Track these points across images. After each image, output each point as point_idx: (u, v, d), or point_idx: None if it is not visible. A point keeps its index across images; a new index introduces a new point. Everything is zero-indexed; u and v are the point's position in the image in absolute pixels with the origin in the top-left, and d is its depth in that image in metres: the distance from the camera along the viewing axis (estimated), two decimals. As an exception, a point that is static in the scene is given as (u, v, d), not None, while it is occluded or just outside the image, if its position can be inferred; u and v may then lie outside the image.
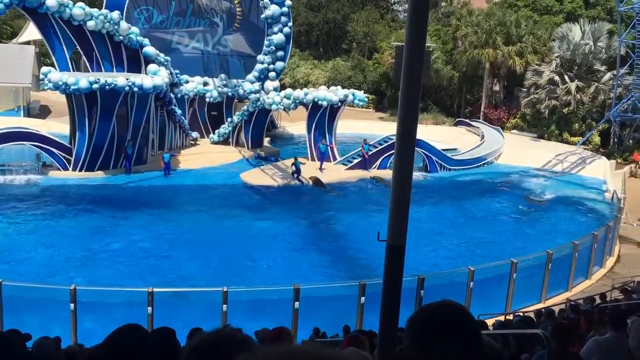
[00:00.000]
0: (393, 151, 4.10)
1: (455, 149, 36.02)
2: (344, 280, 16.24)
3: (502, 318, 13.32)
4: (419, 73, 3.76)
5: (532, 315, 11.96)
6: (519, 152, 35.86)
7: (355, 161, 30.16)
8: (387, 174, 27.97)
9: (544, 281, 16.05)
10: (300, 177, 27.53)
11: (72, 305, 12.02)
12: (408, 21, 3.70)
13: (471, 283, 14.27)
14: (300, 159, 27.94)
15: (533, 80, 41.45)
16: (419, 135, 4.21)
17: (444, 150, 32.84)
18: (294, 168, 27.38)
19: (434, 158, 31.21)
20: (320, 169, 28.99)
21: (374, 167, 29.81)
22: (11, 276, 13.47)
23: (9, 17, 51.55)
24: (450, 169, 31.79)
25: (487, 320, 11.42)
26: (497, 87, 49.32)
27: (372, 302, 12.49)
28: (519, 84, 44.04)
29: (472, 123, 44.04)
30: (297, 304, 12.64)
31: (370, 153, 29.78)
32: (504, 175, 32.53)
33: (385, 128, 37.34)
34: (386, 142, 30.36)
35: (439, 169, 31.36)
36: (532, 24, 44.93)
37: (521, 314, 13.57)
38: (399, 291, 3.82)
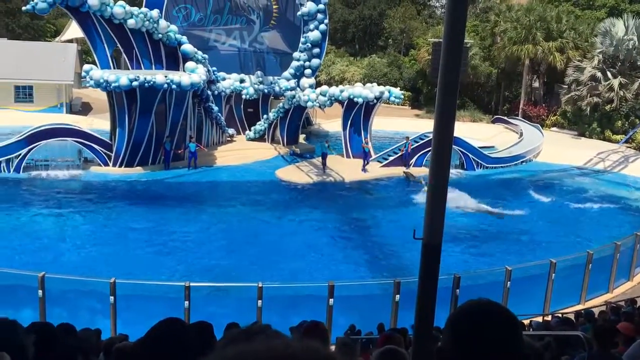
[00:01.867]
0: (429, 148, 4.06)
1: (493, 147, 35.50)
2: (378, 278, 16.20)
3: (539, 319, 13.08)
4: (456, 70, 3.72)
5: (571, 316, 11.73)
6: (559, 150, 35.11)
7: (391, 158, 30.01)
8: (423, 171, 27.77)
9: (584, 282, 15.69)
10: (325, 165, 28.52)
11: (111, 298, 12.30)
12: (446, 17, 3.66)
13: (508, 283, 14.06)
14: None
15: (574, 77, 40.47)
16: (455, 133, 4.16)
17: (481, 147, 32.40)
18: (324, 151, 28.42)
19: (470, 156, 30.82)
20: (364, 169, 28.91)
21: (410, 165, 29.61)
22: (54, 268, 13.83)
23: (52, 16, 52.98)
24: (487, 167, 31.35)
25: (523, 321, 11.24)
26: (536, 84, 48.38)
27: (407, 300, 12.43)
28: (560, 80, 43.10)
29: (511, 120, 43.31)
30: (331, 300, 12.67)
31: (408, 151, 29.63)
32: (543, 173, 31.90)
33: (421, 125, 37.05)
34: (422, 139, 30.11)
35: (476, 166, 30.96)
36: (573, 19, 43.88)
37: (560, 315, 13.31)
38: (435, 290, 3.79)
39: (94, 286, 13.03)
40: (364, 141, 29.61)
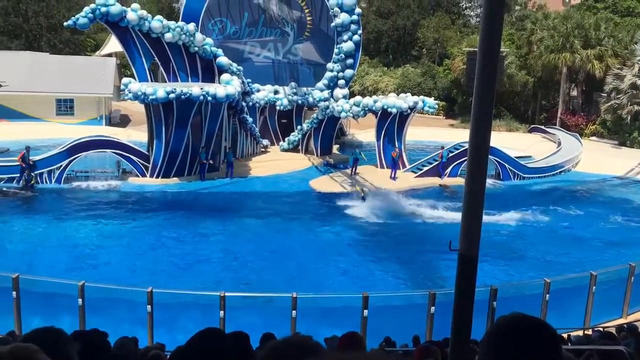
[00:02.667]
0: (465, 159, 4.03)
1: (530, 157, 34.93)
2: (413, 289, 16.05)
3: (579, 333, 12.75)
4: (492, 79, 3.68)
5: (612, 330, 11.38)
6: (599, 159, 34.33)
7: (425, 168, 29.80)
8: (458, 181, 27.48)
9: (626, 295, 15.24)
10: (355, 170, 28.90)
11: (149, 307, 12.46)
12: (482, 26, 3.63)
13: (547, 295, 13.75)
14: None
15: (614, 85, 39.60)
16: (491, 143, 4.11)
17: (517, 157, 31.90)
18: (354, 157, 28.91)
19: (507, 166, 30.37)
20: (393, 177, 28.82)
21: (445, 175, 29.35)
22: (92, 277, 14.10)
23: (92, 31, 54.43)
24: (524, 177, 30.84)
25: (562, 335, 10.96)
26: (574, 92, 47.50)
27: (442, 312, 12.26)
28: (599, 88, 42.20)
29: (548, 130, 42.57)
30: (365, 311, 12.58)
31: (444, 160, 29.41)
32: (582, 184, 31.22)
33: (456, 135, 36.74)
34: (457, 149, 29.83)
35: (512, 177, 30.49)
36: (612, 27, 43.01)
37: (601, 329, 12.95)
38: (472, 302, 3.73)
39: (132, 295, 13.22)
40: (394, 150, 29.50)
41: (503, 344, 1.74)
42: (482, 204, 3.77)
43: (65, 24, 27.14)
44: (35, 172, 24.90)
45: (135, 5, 27.51)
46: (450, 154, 29.73)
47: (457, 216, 22.71)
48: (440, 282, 16.33)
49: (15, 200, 23.54)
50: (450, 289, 3.78)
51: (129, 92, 25.24)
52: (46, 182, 25.24)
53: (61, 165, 25.40)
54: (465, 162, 3.93)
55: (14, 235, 19.69)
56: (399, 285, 16.78)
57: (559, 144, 37.29)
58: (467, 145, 3.78)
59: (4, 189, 24.24)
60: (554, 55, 42.43)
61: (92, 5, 26.01)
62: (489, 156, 3.92)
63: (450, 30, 58.15)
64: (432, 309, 12.83)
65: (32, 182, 24.58)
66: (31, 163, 24.88)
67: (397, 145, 29.91)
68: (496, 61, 3.65)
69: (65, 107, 39.47)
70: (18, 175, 24.81)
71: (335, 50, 32.94)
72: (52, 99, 39.12)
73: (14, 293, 12.72)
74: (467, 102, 47.64)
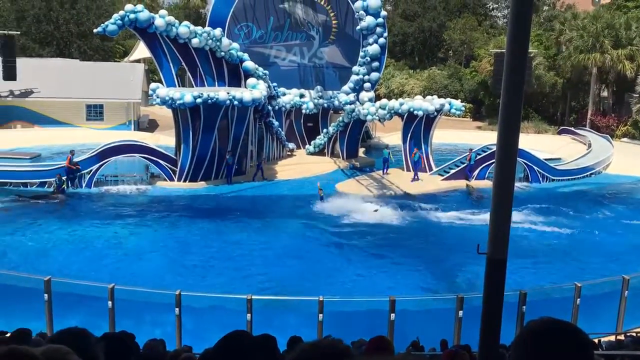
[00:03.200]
0: (492, 161, 3.99)
1: (559, 159, 34.39)
2: (441, 293, 15.92)
3: (612, 338, 12.49)
4: (520, 80, 3.65)
5: (646, 336, 11.13)
6: (630, 161, 33.64)
7: (453, 171, 29.57)
8: (486, 184, 27.20)
9: (660, 300, 14.88)
10: (386, 169, 29.23)
11: (177, 310, 12.59)
12: (509, 27, 3.60)
13: (578, 300, 13.50)
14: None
15: (646, 85, 38.78)
16: (520, 145, 4.07)
17: (546, 159, 31.44)
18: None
19: (535, 168, 29.96)
20: (415, 179, 28.69)
21: (473, 177, 29.08)
22: (121, 280, 14.29)
23: (121, 37, 55.41)
24: (553, 180, 30.37)
25: (593, 340, 10.75)
26: (605, 93, 46.68)
27: (471, 316, 12.14)
28: (630, 89, 41.41)
29: (578, 131, 41.87)
30: (392, 315, 12.52)
31: (472, 163, 29.16)
32: (613, 186, 30.62)
33: (483, 137, 36.36)
34: (484, 151, 29.54)
35: (541, 179, 30.06)
36: (644, 26, 42.17)
37: (634, 334, 12.67)
38: (501, 306, 3.70)
39: (160, 298, 13.38)
40: (414, 150, 29.40)
41: (534, 349, 1.71)
42: (510, 207, 3.73)
43: (95, 31, 27.67)
44: (69, 177, 25.37)
45: (163, 12, 27.91)
46: (478, 157, 29.45)
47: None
48: (466, 286, 16.17)
49: (48, 204, 24.00)
50: (479, 293, 3.75)
51: (157, 97, 25.58)
52: (77, 186, 25.70)
53: (91, 170, 25.84)
54: (493, 164, 3.89)
55: (46, 238, 20.09)
56: (425, 289, 16.66)
57: (589, 145, 36.64)
58: (495, 148, 3.75)
59: (37, 193, 24.74)
60: (583, 56, 41.75)
61: (121, 12, 26.48)
62: (517, 158, 3.88)
63: (477, 31, 57.70)
64: (460, 313, 12.71)
65: (64, 186, 25.05)
66: (74, 167, 25.34)
67: (423, 148, 29.74)
68: (524, 62, 3.62)
69: (95, 112, 40.19)
70: (66, 178, 25.29)
71: (361, 54, 32.91)
72: (82, 105, 39.87)
73: (46, 295, 12.98)
74: (494, 103, 47.16)
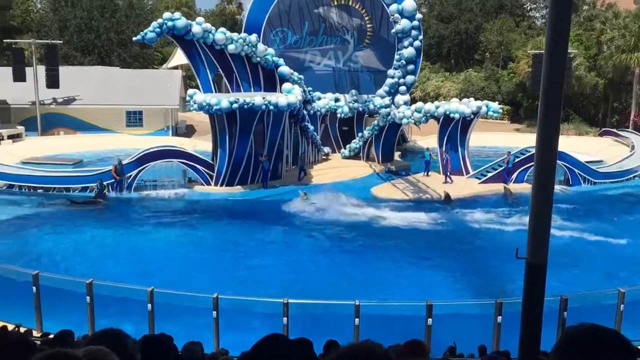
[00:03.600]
0: (531, 164, 3.92)
1: (601, 161, 33.54)
2: (479, 298, 15.68)
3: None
4: (559, 81, 3.58)
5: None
6: (676, 163, 32.55)
7: (490, 174, 29.14)
8: (525, 187, 26.70)
9: None
10: (428, 171, 29.46)
11: (214, 313, 12.73)
12: (548, 27, 3.54)
13: (621, 306, 13.12)
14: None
15: (692, 85, 37.54)
16: (560, 147, 3.98)
17: (588, 162, 30.70)
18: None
19: (576, 171, 29.28)
20: (447, 181, 28.47)
21: (511, 181, 28.60)
22: (159, 283, 14.50)
23: (159, 45, 56.46)
24: (595, 183, 29.64)
25: (638, 347, 10.42)
26: (649, 93, 45.31)
27: (510, 322, 11.92)
28: (675, 88, 40.12)
29: (620, 133, 40.76)
30: (430, 320, 12.40)
31: (510, 166, 28.70)
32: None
33: (521, 140, 35.72)
34: (523, 154, 29.01)
35: (582, 182, 29.36)
36: (689, 23, 40.86)
37: (682, 342, 12.22)
38: (541, 312, 3.62)
39: (198, 301, 13.54)
40: (443, 150, 29.33)
41: (574, 356, 1.67)
42: (550, 210, 3.66)
43: (134, 38, 28.28)
44: (108, 182, 25.94)
45: (199, 19, 28.35)
46: (517, 159, 28.95)
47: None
48: (505, 291, 15.89)
49: (89, 209, 24.58)
50: (518, 298, 3.68)
51: (194, 103, 25.96)
52: (117, 191, 26.23)
53: (131, 175, 26.37)
54: (532, 167, 3.82)
55: (89, 242, 20.57)
56: (465, 294, 16.44)
57: (632, 147, 35.61)
58: (533, 150, 3.68)
59: (79, 199, 25.36)
60: (625, 56, 40.69)
61: (159, 20, 27.00)
62: (557, 161, 3.80)
63: (515, 32, 56.82)
64: (499, 318, 12.50)
65: (105, 191, 25.62)
66: (119, 177, 25.88)
67: (459, 151, 29.43)
68: (564, 63, 3.55)
69: (134, 118, 41.03)
70: (114, 184, 25.93)
71: (396, 57, 32.78)
72: (122, 111, 40.76)
73: (88, 298, 13.29)
74: (533, 105, 46.31)
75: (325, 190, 25.96)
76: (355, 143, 33.10)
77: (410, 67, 32.85)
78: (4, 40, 45.34)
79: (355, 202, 25.06)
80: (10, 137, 35.83)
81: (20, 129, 37.39)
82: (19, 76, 37.69)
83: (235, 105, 25.54)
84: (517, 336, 3.86)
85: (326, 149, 33.46)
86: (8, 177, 26.65)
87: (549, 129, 3.51)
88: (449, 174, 28.87)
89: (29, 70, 38.11)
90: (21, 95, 38.32)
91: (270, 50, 29.85)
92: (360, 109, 33.74)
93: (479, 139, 34.82)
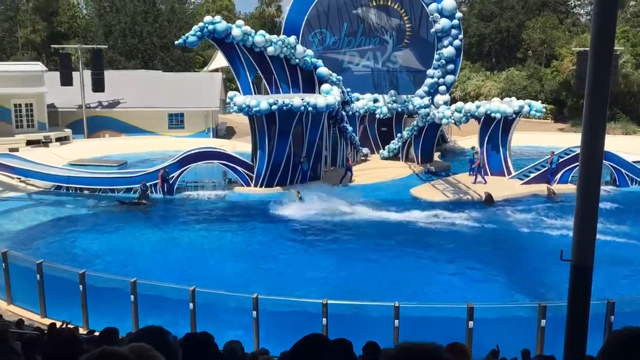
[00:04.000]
0: (576, 164, 3.84)
1: (650, 161, 32.45)
2: (521, 301, 15.39)
3: None
4: (605, 79, 3.48)
5: None
6: None
7: (533, 175, 28.56)
8: (569, 188, 26.08)
9: None
10: (473, 168, 29.02)
11: (254, 313, 12.85)
12: (593, 24, 3.46)
13: (672, 311, 12.68)
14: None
15: None
16: (605, 147, 3.88)
17: (635, 162, 29.75)
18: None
19: (623, 171, 28.42)
20: (479, 181, 28.15)
21: (555, 181, 27.97)
22: (201, 283, 14.73)
23: (200, 48, 57.38)
24: (643, 183, 28.71)
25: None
26: (701, 90, 43.68)
27: (554, 326, 11.66)
28: None
29: (670, 131, 39.38)
30: (471, 323, 12.23)
31: (554, 166, 28.07)
32: None
33: (565, 140, 34.87)
34: (567, 154, 28.33)
35: (630, 183, 28.48)
36: None
37: None
38: (586, 315, 3.53)
39: (238, 301, 13.69)
40: (475, 152, 29.20)
41: (622, 358, 1.62)
42: (596, 212, 3.57)
43: (176, 42, 28.81)
44: (151, 183, 26.48)
45: (239, 22, 28.69)
46: (561, 159, 28.29)
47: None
48: (549, 294, 15.55)
49: (133, 209, 25.14)
50: (563, 302, 3.60)
51: (234, 105, 26.25)
52: (159, 192, 26.75)
53: (173, 176, 26.84)
54: (577, 167, 3.73)
55: (133, 241, 21.05)
56: (507, 297, 16.15)
57: (684, 146, 34.37)
58: (578, 150, 3.60)
59: (125, 200, 25.95)
60: (675, 52, 39.29)
61: (200, 24, 27.44)
62: (603, 161, 3.70)
63: (558, 30, 55.59)
64: (543, 322, 12.25)
65: (148, 192, 26.15)
66: (164, 185, 26.43)
67: (501, 152, 28.96)
68: (609, 61, 3.46)
69: (176, 121, 41.77)
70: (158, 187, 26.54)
71: (436, 56, 32.46)
72: (164, 114, 41.54)
73: (132, 297, 13.60)
74: (577, 104, 45.19)
75: (319, 191, 25.73)
76: (394, 144, 32.91)
77: (450, 66, 32.48)
78: (52, 46, 46.83)
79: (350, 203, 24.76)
80: (58, 139, 36.94)
81: (68, 131, 38.50)
82: (66, 80, 38.84)
83: (274, 107, 25.73)
84: (563, 340, 3.78)
85: (365, 150, 33.37)
86: (56, 178, 27.49)
87: (595, 128, 3.43)
88: (481, 173, 28.57)
89: (75, 75, 39.21)
90: (68, 99, 39.48)
91: (309, 52, 29.96)
92: (399, 109, 33.53)
93: (521, 139, 34.17)
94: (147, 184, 26.23)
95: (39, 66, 38.82)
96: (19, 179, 27.93)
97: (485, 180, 28.31)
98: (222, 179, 28.12)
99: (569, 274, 3.57)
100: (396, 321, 12.21)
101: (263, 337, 12.75)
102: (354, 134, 31.95)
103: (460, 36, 32.37)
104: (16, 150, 33.16)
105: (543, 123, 45.26)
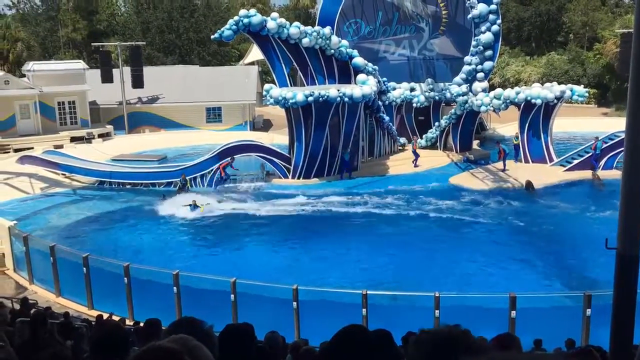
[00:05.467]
0: (621, 149, 3.72)
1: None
2: (566, 291, 15.09)
3: None
4: (652, 61, 3.36)
5: None
6: None
7: (576, 161, 27.88)
8: (614, 174, 25.37)
9: None
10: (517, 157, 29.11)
11: (294, 304, 12.96)
12: (637, 3, 3.34)
13: None
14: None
15: None
16: (653, 131, 3.75)
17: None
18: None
19: (672, 155, 27.48)
20: (504, 169, 27.80)
21: (599, 168, 27.25)
22: (238, 274, 14.90)
23: (236, 42, 57.73)
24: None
25: None
26: None
27: (600, 315, 11.41)
28: None
29: None
30: (513, 313, 12.07)
31: (598, 152, 27.40)
32: None
33: (610, 125, 33.86)
34: (612, 139, 27.54)
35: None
36: None
37: None
38: (633, 305, 3.44)
39: (278, 292, 13.82)
40: (514, 136, 29.12)
41: None
42: (643, 198, 3.46)
43: (212, 37, 29.07)
44: (190, 177, 26.88)
45: (274, 14, 28.74)
46: (605, 145, 27.52)
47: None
48: (594, 283, 15.19)
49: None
50: (609, 291, 3.51)
51: (270, 98, 26.38)
52: (199, 185, 27.14)
53: (212, 169, 27.19)
54: (622, 153, 3.63)
55: (173, 234, 21.45)
56: (551, 287, 15.86)
57: None
58: (623, 135, 3.49)
59: (168, 194, 26.44)
60: None
61: (236, 18, 27.60)
62: (650, 146, 3.58)
63: (601, 11, 53.93)
64: (588, 311, 12.00)
65: (187, 185, 26.57)
66: (224, 175, 26.96)
67: (542, 138, 28.40)
68: (656, 41, 3.34)
69: (214, 114, 42.24)
70: (222, 179, 27.11)
71: (473, 43, 31.87)
72: (202, 108, 42.05)
73: (175, 288, 13.87)
74: (622, 88, 43.83)
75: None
76: (432, 133, 32.55)
77: (488, 52, 31.85)
78: (92, 44, 47.86)
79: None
80: (100, 136, 37.82)
81: (109, 128, 39.38)
82: (107, 77, 39.68)
83: (310, 99, 25.74)
84: (609, 330, 3.69)
85: (402, 140, 33.10)
86: (99, 174, 28.18)
87: (640, 112, 3.32)
88: (504, 160, 28.78)
89: (115, 72, 40.01)
90: (109, 96, 40.33)
91: (344, 42, 29.82)
92: (437, 97, 33.09)
93: (563, 124, 33.38)
94: (186, 178, 26.62)
95: (80, 64, 39.75)
96: (64, 174, 28.73)
97: (505, 167, 28.40)
98: (260, 171, 28.33)
99: (614, 263, 3.48)
100: (437, 311, 12.14)
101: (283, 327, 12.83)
102: (391, 124, 31.73)
103: (499, 21, 31.70)
104: (61, 147, 34.08)
105: (586, 108, 44.09)
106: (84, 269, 15.33)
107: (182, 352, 1.77)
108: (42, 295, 16.56)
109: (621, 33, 37.34)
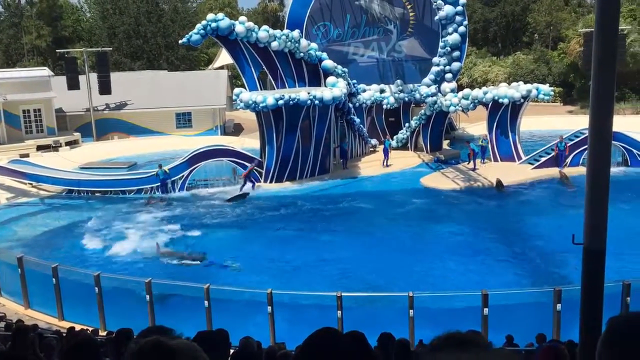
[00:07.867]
0: (586, 147, 3.79)
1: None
2: (536, 287, 15.34)
3: None
4: (612, 59, 3.45)
5: None
6: None
7: (543, 159, 28.39)
8: (580, 171, 25.90)
9: None
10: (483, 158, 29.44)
11: (269, 308, 12.90)
12: (597, 3, 3.42)
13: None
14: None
15: None
16: (615, 127, 3.84)
17: (646, 142, 29.45)
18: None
19: (635, 151, 28.17)
20: (474, 168, 28.22)
21: (565, 165, 27.78)
22: (218, 280, 14.83)
23: (204, 46, 57.34)
24: (656, 163, 28.43)
25: None
26: None
27: (569, 310, 11.62)
28: None
29: (681, 109, 38.94)
30: (486, 310, 12.22)
31: (561, 149, 27.92)
32: None
33: (575, 122, 34.55)
34: (577, 137, 28.12)
35: (642, 162, 28.23)
36: None
37: None
38: (600, 298, 3.51)
39: (252, 296, 13.76)
40: (482, 139, 29.74)
41: (626, 343, 1.58)
42: (606, 193, 3.54)
43: (180, 41, 28.81)
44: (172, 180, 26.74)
45: (242, 18, 28.63)
46: (570, 142, 28.08)
47: None
48: (564, 278, 15.48)
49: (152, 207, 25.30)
50: (578, 285, 3.57)
51: (241, 102, 26.27)
52: (171, 191, 26.86)
53: (183, 175, 26.94)
54: (587, 150, 3.70)
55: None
56: (521, 284, 16.10)
57: (696, 124, 33.97)
58: (587, 133, 3.56)
59: (155, 198, 26.23)
60: (684, 28, 38.78)
61: (203, 22, 27.39)
62: (614, 142, 3.66)
63: (564, 11, 55.08)
64: (559, 306, 12.21)
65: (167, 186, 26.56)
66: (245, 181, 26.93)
67: (510, 137, 28.85)
68: (614, 40, 3.41)
69: (184, 120, 41.85)
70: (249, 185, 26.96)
71: (441, 44, 32.20)
72: (172, 114, 41.63)
73: (147, 296, 13.67)
74: (586, 86, 44.74)
75: None
76: (403, 133, 32.78)
77: (456, 53, 32.22)
78: (58, 51, 47.04)
79: None
80: (67, 143, 37.15)
81: (77, 135, 38.71)
82: (73, 84, 39.00)
83: (280, 102, 25.72)
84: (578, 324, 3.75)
85: (373, 141, 33.26)
86: (67, 182, 27.66)
87: (602, 109, 3.40)
88: (473, 160, 29.17)
89: (82, 79, 39.37)
90: (76, 103, 39.63)
91: (313, 45, 29.87)
92: (406, 98, 33.30)
93: (530, 123, 33.95)
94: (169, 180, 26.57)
95: (45, 71, 39.02)
96: (31, 184, 28.14)
97: (475, 166, 28.76)
98: (232, 176, 28.16)
99: (581, 258, 3.54)
100: (411, 311, 12.22)
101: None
102: (361, 126, 31.87)
103: (465, 22, 32.10)
104: (27, 155, 33.39)
105: (552, 106, 44.92)
106: (54, 279, 15.02)
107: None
108: (11, 307, 16.17)
109: (584, 32, 38.17)
